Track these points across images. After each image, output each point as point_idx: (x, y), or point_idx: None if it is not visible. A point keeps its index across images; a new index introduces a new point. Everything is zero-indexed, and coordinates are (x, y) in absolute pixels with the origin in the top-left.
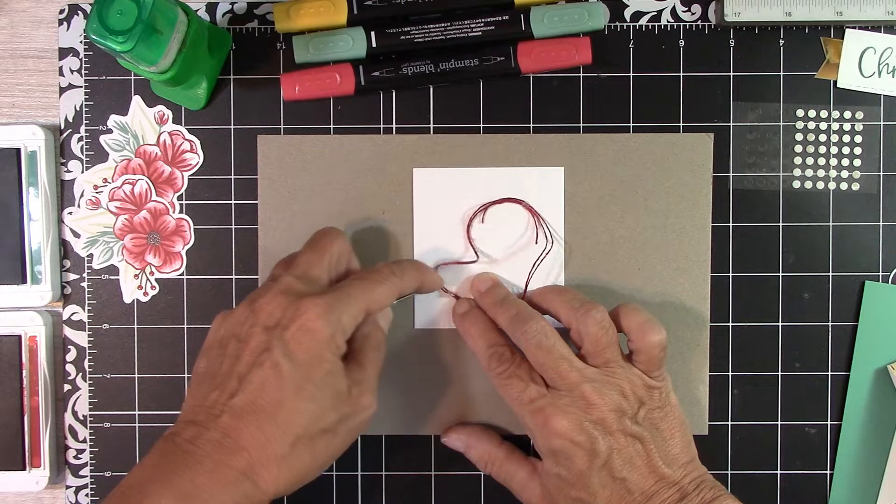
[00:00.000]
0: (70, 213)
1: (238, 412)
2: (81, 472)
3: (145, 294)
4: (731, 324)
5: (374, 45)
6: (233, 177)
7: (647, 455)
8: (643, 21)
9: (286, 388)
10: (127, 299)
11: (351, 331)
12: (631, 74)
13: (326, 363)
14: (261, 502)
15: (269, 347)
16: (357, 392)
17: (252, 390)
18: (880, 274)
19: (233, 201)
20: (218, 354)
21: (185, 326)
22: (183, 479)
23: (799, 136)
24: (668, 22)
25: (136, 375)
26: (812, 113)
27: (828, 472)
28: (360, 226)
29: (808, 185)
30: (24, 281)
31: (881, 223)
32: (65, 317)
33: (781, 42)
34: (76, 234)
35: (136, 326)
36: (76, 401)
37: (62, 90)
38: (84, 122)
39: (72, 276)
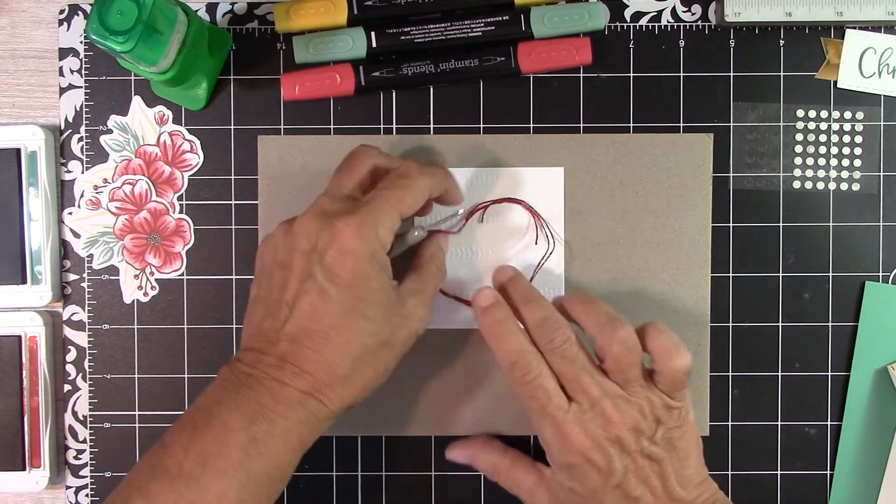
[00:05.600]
0: (70, 213)
1: (293, 338)
2: (81, 473)
3: (145, 294)
4: (731, 324)
5: (374, 45)
6: (233, 177)
7: (663, 476)
8: (643, 21)
9: (336, 312)
10: (127, 299)
11: (389, 240)
12: (631, 75)
13: (372, 280)
14: (327, 417)
15: (311, 274)
16: (414, 303)
17: (303, 318)
18: (880, 274)
19: (233, 201)
20: (266, 281)
21: (185, 327)
22: (248, 399)
23: (799, 137)
24: (669, 22)
25: (136, 376)
26: (812, 113)
27: (828, 472)
28: None
29: (808, 185)
30: (24, 281)
31: (881, 223)
32: (65, 317)
33: (781, 42)
34: (76, 235)
35: (136, 327)
36: (76, 401)
37: (62, 90)
38: (84, 122)
39: (72, 277)
